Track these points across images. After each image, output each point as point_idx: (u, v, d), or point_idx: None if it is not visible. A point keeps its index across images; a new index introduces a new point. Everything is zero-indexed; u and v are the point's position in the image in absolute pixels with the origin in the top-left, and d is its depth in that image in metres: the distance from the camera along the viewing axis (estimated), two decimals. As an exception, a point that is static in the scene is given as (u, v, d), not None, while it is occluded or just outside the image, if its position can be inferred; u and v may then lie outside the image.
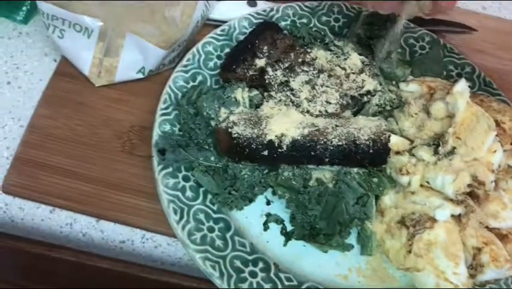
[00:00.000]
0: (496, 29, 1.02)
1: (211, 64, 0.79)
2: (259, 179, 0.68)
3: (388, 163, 0.69)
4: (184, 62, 0.77)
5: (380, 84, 0.74)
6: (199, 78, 0.77)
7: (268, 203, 0.70)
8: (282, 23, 0.85)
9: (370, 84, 0.73)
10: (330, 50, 0.75)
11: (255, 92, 0.71)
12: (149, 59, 0.77)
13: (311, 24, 0.87)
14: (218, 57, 0.80)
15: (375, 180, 0.69)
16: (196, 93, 0.72)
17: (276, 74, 0.71)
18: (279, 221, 0.69)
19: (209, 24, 0.88)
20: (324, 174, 0.68)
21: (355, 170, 0.68)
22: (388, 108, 0.76)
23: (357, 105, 0.72)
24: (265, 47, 0.74)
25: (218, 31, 0.82)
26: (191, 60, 0.78)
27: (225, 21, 0.85)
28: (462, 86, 0.69)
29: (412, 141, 0.71)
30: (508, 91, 0.85)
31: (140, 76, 0.79)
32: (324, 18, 0.88)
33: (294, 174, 0.67)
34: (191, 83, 0.76)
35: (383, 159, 0.68)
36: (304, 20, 0.87)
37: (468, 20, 0.99)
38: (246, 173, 0.67)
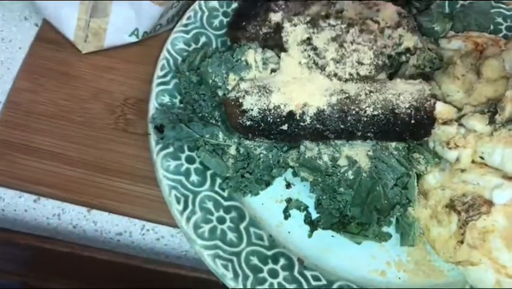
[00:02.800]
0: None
1: (216, 22, 0.68)
2: (278, 159, 0.57)
3: (431, 135, 0.58)
4: (184, 21, 0.66)
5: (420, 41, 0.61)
6: (203, 39, 0.66)
7: (288, 186, 0.60)
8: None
9: (410, 40, 0.60)
10: (359, -1, 0.62)
11: (269, 53, 0.59)
12: (143, 18, 0.66)
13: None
14: (225, 14, 0.68)
15: (416, 156, 0.58)
16: (199, 57, 0.61)
17: (295, 30, 0.59)
18: (302, 207, 0.58)
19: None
20: (356, 151, 0.57)
21: (393, 144, 0.57)
22: (427, 69, 0.64)
23: (393, 66, 0.60)
24: (281, -1, 0.62)
25: (224, -18, 0.70)
26: (193, 18, 0.66)
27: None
28: (523, 39, 0.57)
29: (459, 109, 0.60)
30: None
31: (134, 39, 0.67)
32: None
33: (319, 152, 0.56)
34: (193, 46, 0.65)
35: (427, 131, 0.56)
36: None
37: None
38: (262, 152, 0.56)
